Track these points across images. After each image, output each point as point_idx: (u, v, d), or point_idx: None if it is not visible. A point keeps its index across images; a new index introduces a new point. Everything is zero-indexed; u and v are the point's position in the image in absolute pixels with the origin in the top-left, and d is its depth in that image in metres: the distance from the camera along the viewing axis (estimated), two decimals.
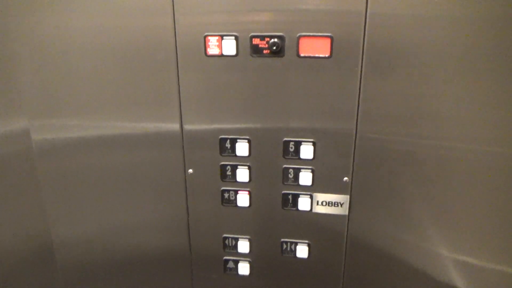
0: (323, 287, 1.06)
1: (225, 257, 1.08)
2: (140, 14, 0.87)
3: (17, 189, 1.06)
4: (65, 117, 0.98)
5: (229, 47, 0.87)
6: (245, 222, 1.03)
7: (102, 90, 0.95)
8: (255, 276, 1.09)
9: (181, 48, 0.89)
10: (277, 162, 0.96)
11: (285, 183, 0.97)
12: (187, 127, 0.96)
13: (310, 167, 0.95)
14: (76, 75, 0.94)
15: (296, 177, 0.96)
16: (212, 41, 0.88)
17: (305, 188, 0.97)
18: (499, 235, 0.92)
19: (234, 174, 0.98)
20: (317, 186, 0.96)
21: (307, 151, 0.93)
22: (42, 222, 1.09)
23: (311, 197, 0.97)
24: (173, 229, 1.06)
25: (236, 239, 1.05)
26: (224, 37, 0.87)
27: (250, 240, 1.05)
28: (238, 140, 0.95)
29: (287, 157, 0.95)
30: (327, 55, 0.85)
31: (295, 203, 0.98)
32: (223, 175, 0.99)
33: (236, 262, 1.08)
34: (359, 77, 0.85)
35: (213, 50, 0.88)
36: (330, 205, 0.97)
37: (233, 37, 0.87)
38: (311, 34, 0.84)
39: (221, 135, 0.95)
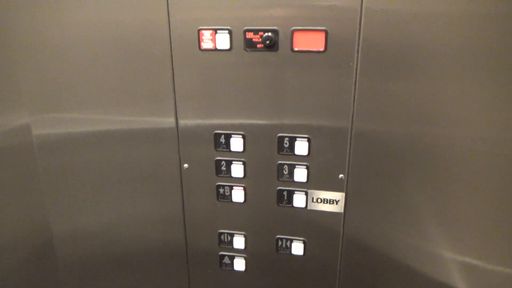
0: (319, 285, 1.05)
1: (220, 253, 1.08)
2: (134, 8, 0.87)
3: (18, 184, 1.08)
4: (64, 112, 0.99)
5: (223, 41, 0.86)
6: (241, 218, 1.03)
7: (99, 85, 0.95)
8: (251, 272, 1.08)
9: (176, 42, 0.89)
10: (271, 158, 0.95)
11: (280, 179, 0.96)
12: (182, 121, 0.95)
13: (305, 163, 0.93)
14: (73, 70, 0.95)
15: (291, 174, 0.95)
16: (206, 35, 0.87)
17: (300, 184, 0.96)
18: (499, 235, 0.89)
19: (229, 170, 0.98)
20: (312, 182, 0.95)
21: (301, 147, 0.91)
22: (42, 216, 1.11)
23: (306, 194, 0.96)
24: (169, 223, 1.06)
25: (232, 235, 1.05)
26: (218, 31, 0.86)
27: (245, 236, 1.04)
28: (232, 136, 0.94)
29: (282, 153, 0.93)
30: (321, 50, 0.83)
31: (290, 199, 0.97)
32: (218, 171, 0.98)
33: (231, 258, 1.07)
34: (354, 73, 0.84)
35: (207, 44, 0.88)
36: (326, 202, 0.96)
37: (227, 31, 0.86)
38: (305, 28, 0.82)
39: (216, 130, 0.95)
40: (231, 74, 0.89)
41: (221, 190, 1.00)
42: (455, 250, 0.93)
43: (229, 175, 0.98)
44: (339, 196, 0.94)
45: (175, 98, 0.93)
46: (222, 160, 0.97)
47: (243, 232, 1.04)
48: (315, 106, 0.88)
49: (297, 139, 0.91)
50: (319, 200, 0.96)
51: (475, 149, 0.84)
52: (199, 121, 0.95)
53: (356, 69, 0.83)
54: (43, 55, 0.94)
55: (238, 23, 0.85)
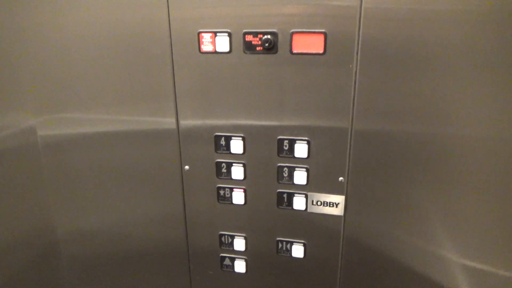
0: (320, 287, 1.04)
1: (221, 254, 1.08)
2: (136, 10, 0.88)
3: (23, 184, 1.09)
4: (68, 112, 1.00)
5: (223, 44, 0.87)
6: (241, 219, 1.03)
7: (102, 85, 0.96)
8: (251, 274, 1.08)
9: (176, 45, 0.89)
10: (271, 160, 0.95)
11: (280, 182, 0.96)
12: (183, 123, 0.96)
13: (304, 166, 0.93)
14: (77, 72, 0.96)
15: (291, 176, 0.95)
16: (206, 37, 0.87)
17: (300, 187, 0.95)
18: (504, 237, 0.88)
19: (229, 172, 0.98)
20: (312, 185, 0.94)
21: (301, 149, 0.91)
22: (46, 216, 1.13)
23: (306, 197, 0.96)
24: (171, 224, 1.07)
25: (232, 237, 1.05)
26: (218, 34, 0.86)
27: (246, 238, 1.04)
28: (232, 138, 0.94)
29: (282, 155, 0.93)
30: (320, 52, 0.83)
31: (290, 202, 0.97)
32: (219, 172, 0.99)
33: (232, 260, 1.08)
34: (353, 75, 0.83)
35: (207, 47, 0.88)
36: (326, 205, 0.95)
37: (226, 34, 0.86)
38: (304, 30, 0.82)
39: (216, 132, 0.95)
40: (231, 76, 0.89)
41: (222, 192, 1.01)
42: (457, 252, 0.91)
43: (229, 177, 0.99)
44: (339, 199, 0.94)
45: (175, 100, 0.94)
46: (222, 162, 0.98)
47: (244, 234, 1.04)
48: (314, 107, 0.88)
49: (297, 141, 0.91)
50: (319, 203, 0.95)
51: (480, 150, 0.82)
52: (199, 123, 0.95)
53: (356, 70, 0.83)
54: (46, 57, 0.95)
55: (238, 26, 0.85)
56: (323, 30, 0.81)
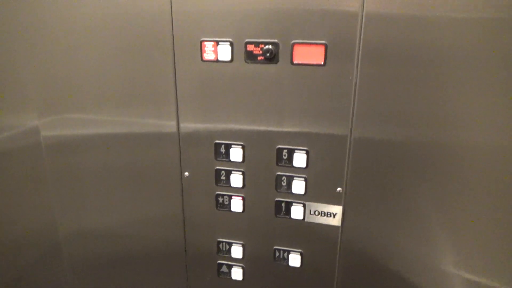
0: None
1: (219, 261, 1.08)
2: (140, 18, 0.89)
3: (27, 184, 1.11)
4: (72, 113, 1.01)
5: (225, 52, 0.88)
6: (239, 227, 1.03)
7: (105, 88, 0.97)
8: (248, 281, 1.08)
9: (179, 53, 0.90)
10: (270, 169, 0.95)
11: (279, 191, 0.96)
12: (183, 130, 0.97)
13: (303, 175, 0.93)
14: (80, 74, 0.97)
15: (289, 185, 0.95)
16: (208, 46, 0.88)
17: (298, 196, 0.96)
18: (504, 249, 0.87)
19: (228, 179, 0.98)
20: (310, 195, 0.95)
21: (300, 159, 0.92)
22: (49, 216, 1.14)
23: (304, 206, 0.96)
24: (170, 228, 1.08)
25: (230, 244, 1.05)
26: (220, 43, 0.87)
27: (243, 246, 1.05)
28: (232, 146, 0.95)
29: (281, 164, 0.94)
30: (321, 63, 0.84)
31: (288, 211, 0.97)
32: (218, 180, 0.99)
33: (229, 267, 1.08)
34: (353, 86, 0.84)
35: (209, 55, 0.89)
36: (323, 215, 0.95)
37: (228, 43, 0.87)
38: (305, 41, 0.83)
39: (216, 139, 0.96)
40: (232, 84, 0.90)
41: (221, 199, 1.01)
42: (457, 264, 0.91)
43: (228, 185, 0.99)
44: (336, 209, 0.94)
45: (177, 104, 0.95)
46: (222, 169, 0.98)
47: (241, 242, 1.05)
48: (314, 118, 0.88)
49: (296, 151, 0.92)
50: (316, 213, 0.96)
51: (482, 157, 0.82)
52: (200, 131, 0.96)
53: (356, 82, 0.83)
54: (50, 59, 0.97)
55: (240, 35, 0.86)
56: (323, 42, 0.82)
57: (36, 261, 1.19)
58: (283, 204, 0.97)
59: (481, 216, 0.87)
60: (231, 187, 0.99)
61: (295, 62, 0.85)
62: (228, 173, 0.98)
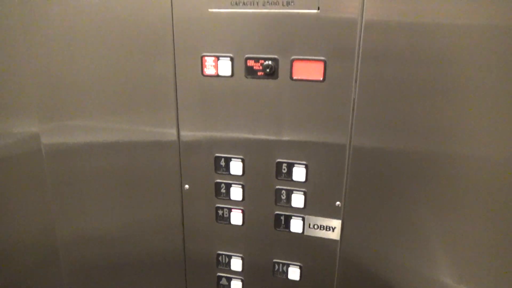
0: None
1: (218, 273, 1.08)
2: (142, 30, 0.90)
3: (27, 190, 1.11)
4: (72, 120, 1.02)
5: (225, 67, 0.89)
6: (239, 240, 1.03)
7: (105, 96, 0.98)
8: None
9: (180, 67, 0.91)
10: (270, 183, 0.96)
11: (278, 204, 0.97)
12: (184, 140, 0.97)
13: (302, 189, 0.94)
14: (81, 81, 0.97)
15: (289, 199, 0.96)
16: (209, 61, 0.89)
17: (297, 210, 0.96)
18: (504, 265, 0.88)
19: (228, 192, 0.99)
20: (309, 209, 0.95)
21: (299, 173, 0.92)
22: (49, 222, 1.14)
23: (303, 220, 0.96)
24: (170, 238, 1.08)
25: (230, 257, 1.05)
26: (220, 58, 0.89)
27: (243, 258, 1.05)
28: (232, 159, 0.96)
29: (280, 178, 0.94)
30: (320, 79, 0.85)
31: (287, 224, 0.98)
32: (218, 193, 1.00)
33: (229, 279, 1.08)
34: (352, 101, 0.84)
35: (209, 70, 0.90)
36: (322, 228, 0.96)
37: (229, 58, 0.88)
38: (304, 57, 0.84)
39: (216, 152, 0.96)
40: (232, 99, 0.91)
41: (220, 212, 1.02)
42: (457, 278, 0.91)
43: (228, 198, 1.00)
44: (336, 223, 0.95)
45: (177, 118, 0.95)
46: (222, 182, 0.99)
47: (241, 254, 1.05)
48: (313, 133, 0.89)
49: (295, 165, 0.92)
50: (315, 226, 0.96)
51: (485, 170, 0.82)
52: (200, 144, 0.97)
53: (354, 98, 0.84)
54: (50, 65, 0.97)
55: (240, 51, 0.87)
56: (323, 58, 0.83)
57: (34, 266, 1.19)
58: (282, 218, 0.98)
59: (484, 230, 0.87)
60: (231, 200, 1.00)
61: (294, 77, 0.86)
62: (228, 186, 0.99)
